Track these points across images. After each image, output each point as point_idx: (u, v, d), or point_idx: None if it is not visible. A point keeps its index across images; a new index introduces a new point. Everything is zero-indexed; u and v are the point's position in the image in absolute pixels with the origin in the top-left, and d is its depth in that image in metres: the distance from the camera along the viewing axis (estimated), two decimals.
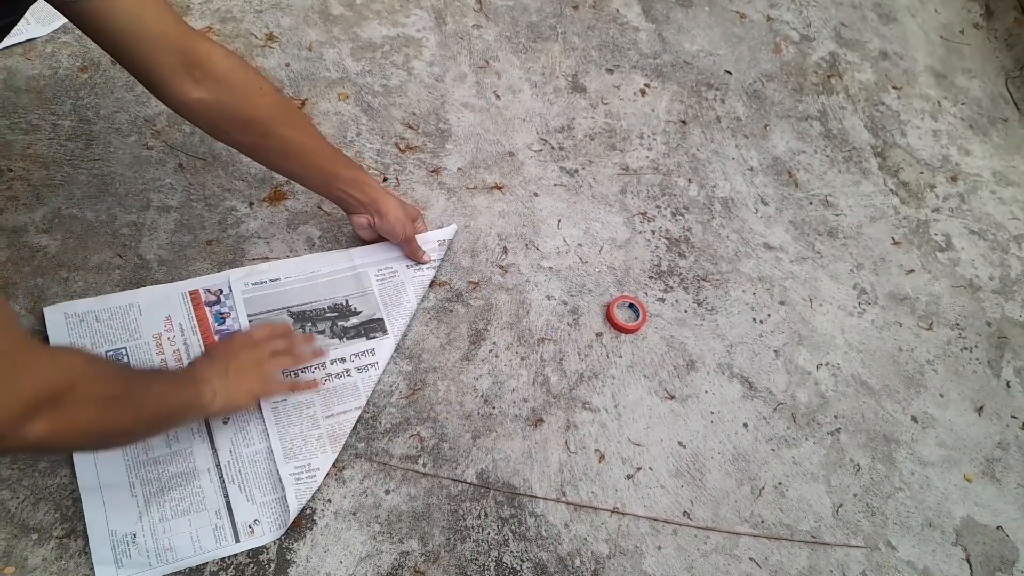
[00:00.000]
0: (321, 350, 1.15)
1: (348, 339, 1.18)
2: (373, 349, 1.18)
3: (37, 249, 1.17)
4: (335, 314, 1.20)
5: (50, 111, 1.30)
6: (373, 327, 1.20)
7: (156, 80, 0.96)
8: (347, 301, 1.22)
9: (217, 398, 0.99)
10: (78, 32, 1.27)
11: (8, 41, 1.33)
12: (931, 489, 1.30)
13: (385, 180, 1.37)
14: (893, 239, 1.59)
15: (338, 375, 1.15)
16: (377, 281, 1.24)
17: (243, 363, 1.04)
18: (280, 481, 1.05)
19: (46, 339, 1.09)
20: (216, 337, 1.14)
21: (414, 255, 1.26)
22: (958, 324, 1.50)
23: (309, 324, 1.18)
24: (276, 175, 1.32)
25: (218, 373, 1.01)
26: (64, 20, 1.38)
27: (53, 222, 1.20)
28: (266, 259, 1.24)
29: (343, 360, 1.16)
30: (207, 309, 1.16)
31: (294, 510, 1.03)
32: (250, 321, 1.16)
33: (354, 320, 1.20)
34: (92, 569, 0.96)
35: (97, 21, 0.89)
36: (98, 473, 1.01)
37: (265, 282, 1.20)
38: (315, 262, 1.24)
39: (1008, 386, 1.44)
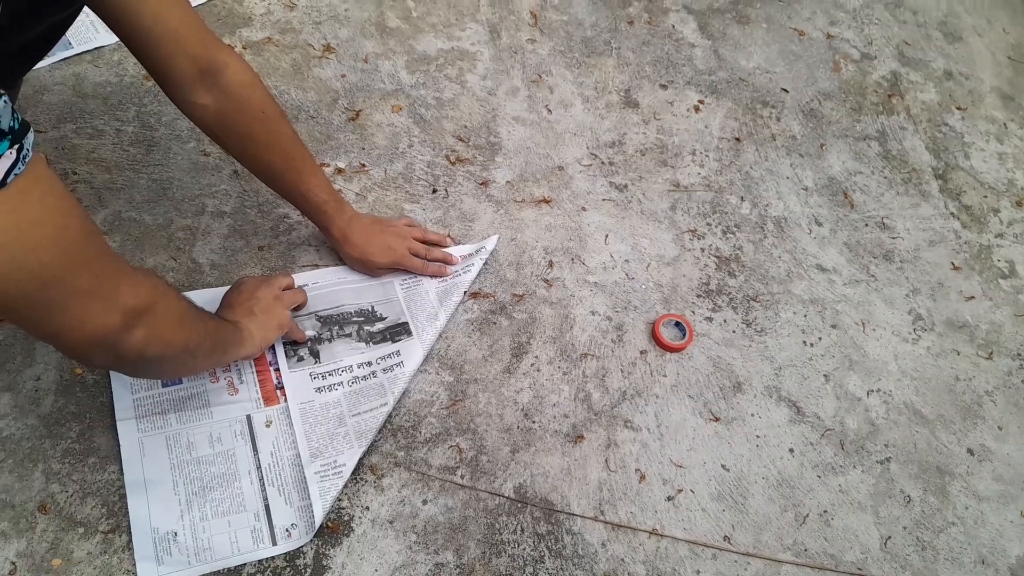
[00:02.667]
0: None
1: (375, 344, 1.20)
2: (398, 350, 1.19)
3: None
4: (361, 319, 1.22)
5: (115, 117, 1.34)
6: (398, 331, 1.21)
7: (168, 79, 1.00)
8: (373, 307, 1.23)
9: (254, 336, 1.05)
10: None
11: (77, 48, 1.38)
12: (985, 525, 1.25)
13: (435, 192, 1.38)
14: (953, 264, 1.54)
15: (364, 377, 1.16)
16: (402, 290, 1.26)
17: (263, 301, 1.10)
18: (305, 480, 1.06)
19: None
20: None
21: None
22: (1020, 354, 1.44)
23: (336, 327, 1.20)
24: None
25: (244, 314, 1.07)
26: None
27: (113, 224, 1.23)
28: (315, 266, 1.26)
29: (369, 364, 1.17)
30: None
31: (319, 508, 1.03)
32: None
33: (380, 325, 1.22)
34: (135, 565, 0.98)
35: (120, 16, 0.91)
36: (143, 470, 1.03)
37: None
38: (341, 272, 1.26)
39: None
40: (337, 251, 1.25)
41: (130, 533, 1.00)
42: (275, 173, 1.12)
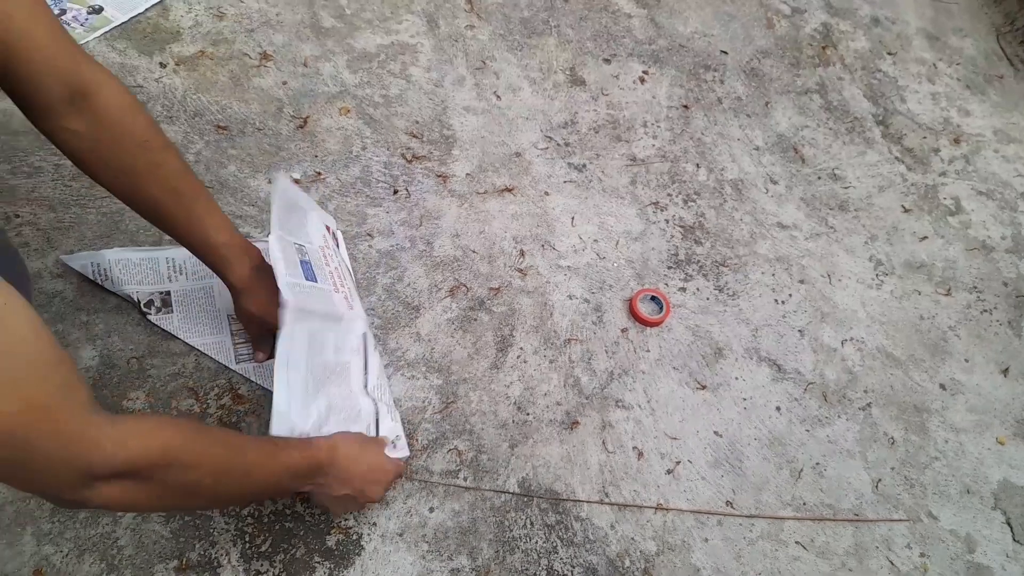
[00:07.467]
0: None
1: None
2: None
3: (54, 295, 1.15)
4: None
5: (51, 151, 1.27)
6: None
7: (35, 101, 0.87)
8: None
9: (327, 480, 0.92)
10: None
11: None
12: (966, 455, 1.30)
13: (396, 193, 1.36)
14: (903, 207, 1.58)
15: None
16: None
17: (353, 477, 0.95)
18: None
19: None
20: None
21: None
22: (976, 287, 1.50)
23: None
24: None
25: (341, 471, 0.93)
26: None
27: (66, 266, 1.18)
28: None
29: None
30: None
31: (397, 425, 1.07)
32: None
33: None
34: None
35: None
36: (290, 351, 0.94)
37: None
38: None
39: None
40: (234, 300, 1.06)
41: None
42: (162, 211, 0.97)
